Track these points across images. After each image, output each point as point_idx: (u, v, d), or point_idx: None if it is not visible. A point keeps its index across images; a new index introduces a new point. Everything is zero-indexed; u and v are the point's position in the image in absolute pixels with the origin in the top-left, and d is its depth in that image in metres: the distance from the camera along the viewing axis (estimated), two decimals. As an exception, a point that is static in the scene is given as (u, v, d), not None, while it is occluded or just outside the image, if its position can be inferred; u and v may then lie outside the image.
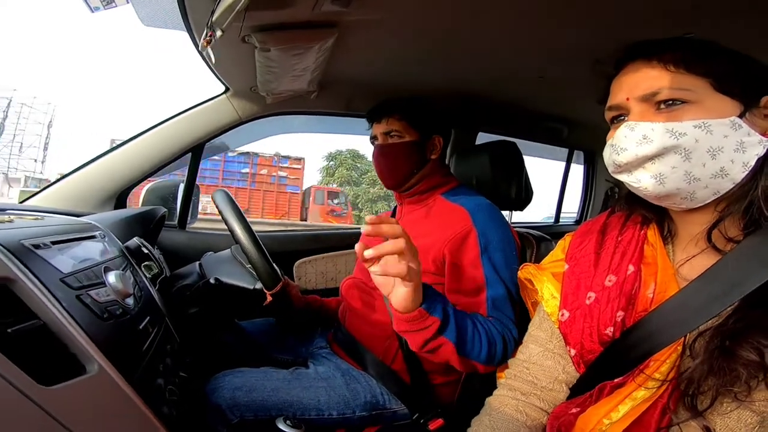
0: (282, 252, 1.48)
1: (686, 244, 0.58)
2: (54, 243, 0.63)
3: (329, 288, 1.57)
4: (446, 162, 1.21)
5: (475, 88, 1.40)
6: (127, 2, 0.94)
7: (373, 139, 1.13)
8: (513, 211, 1.34)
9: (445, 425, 0.95)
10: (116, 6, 0.97)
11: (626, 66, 0.57)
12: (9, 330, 0.44)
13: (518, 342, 0.89)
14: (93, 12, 0.97)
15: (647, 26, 0.87)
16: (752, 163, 0.50)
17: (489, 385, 0.75)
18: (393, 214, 1.18)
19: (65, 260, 0.61)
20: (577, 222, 2.46)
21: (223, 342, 1.16)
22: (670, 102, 0.52)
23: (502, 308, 0.92)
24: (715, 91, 0.51)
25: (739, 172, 0.50)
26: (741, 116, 0.51)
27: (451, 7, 0.89)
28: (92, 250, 0.74)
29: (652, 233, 0.61)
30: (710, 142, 0.50)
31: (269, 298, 1.03)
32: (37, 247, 0.57)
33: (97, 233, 0.82)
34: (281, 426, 0.84)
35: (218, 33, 0.81)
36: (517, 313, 0.94)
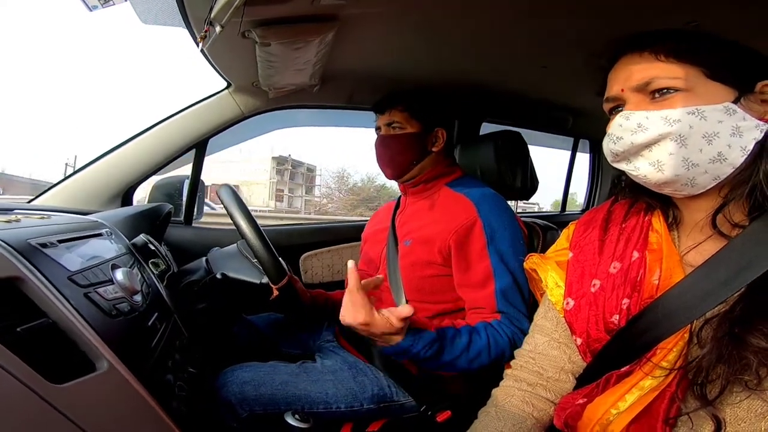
0: (288, 245, 1.49)
1: (691, 230, 0.58)
2: (61, 241, 0.63)
3: (335, 281, 1.58)
4: (452, 153, 1.20)
5: (478, 78, 1.38)
6: (125, 0, 0.93)
7: (377, 129, 1.13)
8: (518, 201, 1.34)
9: (452, 417, 0.95)
10: (114, 4, 0.96)
11: (620, 59, 0.58)
12: (18, 329, 0.44)
13: None
14: (91, 11, 0.96)
15: (651, 15, 0.86)
16: (750, 147, 0.50)
17: (496, 377, 0.75)
18: (396, 206, 1.18)
19: (72, 258, 0.61)
20: (584, 211, 2.45)
21: (231, 337, 1.17)
22: (664, 90, 0.53)
23: (513, 300, 0.92)
24: (707, 78, 0.52)
25: (737, 157, 0.51)
26: (735, 102, 0.51)
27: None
28: (99, 248, 0.75)
29: (657, 220, 0.61)
30: (705, 127, 0.50)
31: (275, 293, 1.04)
32: (44, 246, 0.57)
33: (103, 231, 0.83)
34: (290, 420, 0.84)
35: (217, 29, 0.80)
36: (529, 304, 0.94)
